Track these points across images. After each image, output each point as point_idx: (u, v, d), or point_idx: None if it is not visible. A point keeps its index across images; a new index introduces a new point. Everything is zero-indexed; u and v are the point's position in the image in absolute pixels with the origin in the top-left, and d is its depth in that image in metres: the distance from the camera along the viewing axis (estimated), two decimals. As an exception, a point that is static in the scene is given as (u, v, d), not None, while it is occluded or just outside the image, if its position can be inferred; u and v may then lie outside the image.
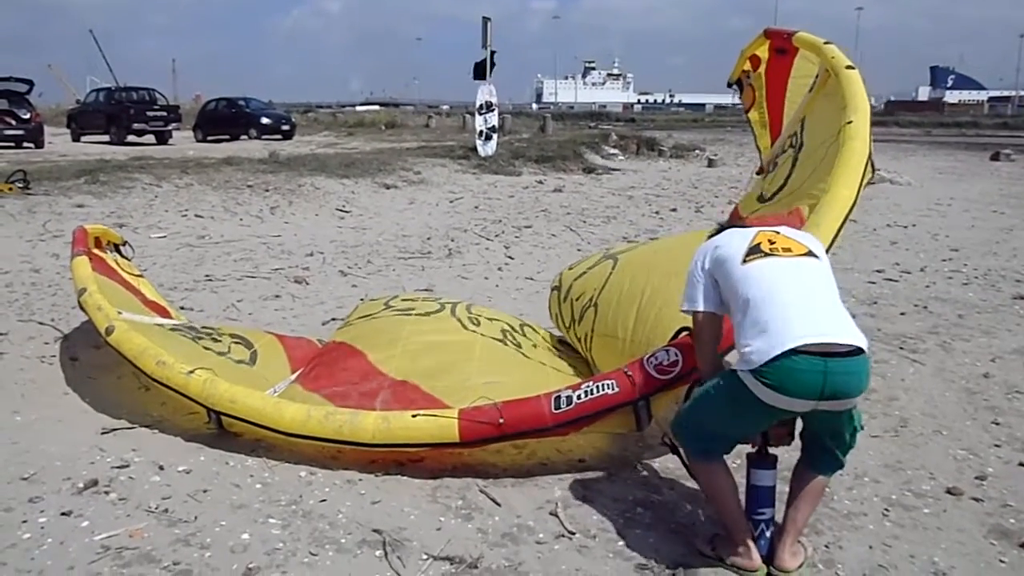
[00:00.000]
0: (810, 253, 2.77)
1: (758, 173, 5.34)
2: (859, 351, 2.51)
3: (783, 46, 5.16)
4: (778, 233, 2.84)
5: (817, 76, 4.57)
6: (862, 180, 3.53)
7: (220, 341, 4.43)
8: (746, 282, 2.65)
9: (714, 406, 2.74)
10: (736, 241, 2.80)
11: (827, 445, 2.74)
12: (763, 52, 5.48)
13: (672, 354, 3.16)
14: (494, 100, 18.56)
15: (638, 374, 3.17)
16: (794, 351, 2.44)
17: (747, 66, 5.68)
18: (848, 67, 4.06)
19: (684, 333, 3.17)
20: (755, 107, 5.82)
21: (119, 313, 4.17)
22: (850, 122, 3.68)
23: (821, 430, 2.71)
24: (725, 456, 2.82)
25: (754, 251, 2.72)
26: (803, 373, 2.45)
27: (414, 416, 3.30)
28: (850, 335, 2.52)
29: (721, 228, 3.13)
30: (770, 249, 2.73)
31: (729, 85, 5.98)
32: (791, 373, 2.45)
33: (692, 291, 2.84)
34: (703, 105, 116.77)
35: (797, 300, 2.58)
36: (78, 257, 4.73)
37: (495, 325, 4.52)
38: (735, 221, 4.88)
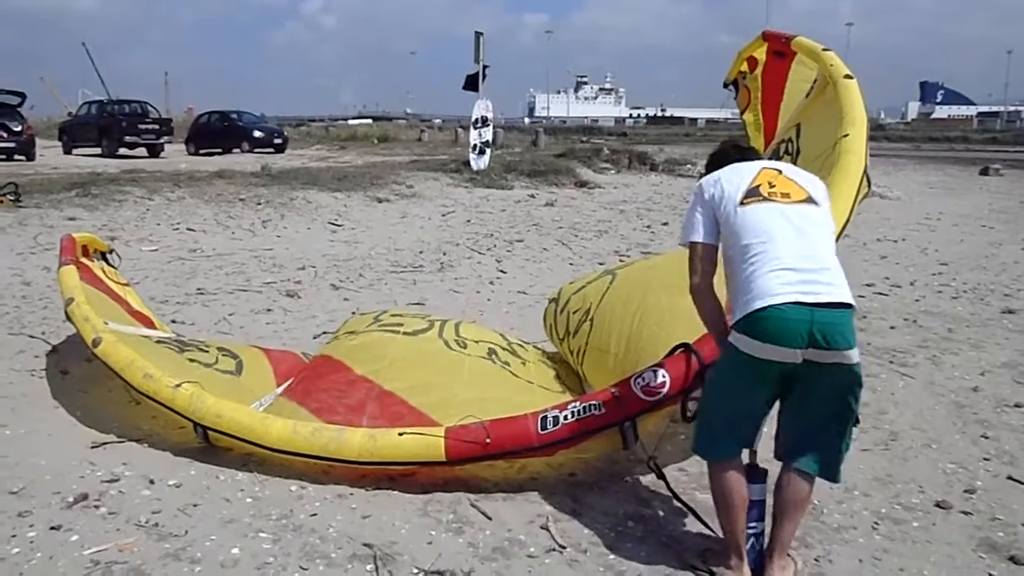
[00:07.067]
0: (809, 199, 2.74)
1: None
2: (846, 305, 2.52)
3: (781, 49, 5.13)
4: (780, 173, 2.82)
5: (815, 81, 4.52)
6: (857, 195, 3.48)
7: (207, 352, 4.43)
8: (741, 230, 2.65)
9: (717, 384, 2.76)
10: (737, 178, 2.79)
11: (823, 427, 2.62)
12: (760, 54, 5.45)
13: (660, 375, 3.16)
14: (489, 115, 18.64)
15: (625, 395, 3.17)
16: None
17: (744, 67, 5.67)
18: (847, 76, 3.99)
19: (679, 351, 3.17)
20: (750, 109, 5.80)
21: (105, 323, 4.16)
22: (847, 135, 3.63)
23: (819, 399, 2.58)
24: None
25: (753, 193, 2.72)
26: (787, 321, 2.46)
27: (400, 434, 3.30)
28: (837, 293, 2.52)
29: (719, 150, 3.10)
30: (769, 193, 2.71)
31: (725, 85, 5.96)
32: (775, 321, 2.46)
33: (689, 223, 2.82)
34: (695, 120, 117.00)
35: (787, 253, 2.57)
36: (65, 267, 4.72)
37: (481, 347, 4.48)
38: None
